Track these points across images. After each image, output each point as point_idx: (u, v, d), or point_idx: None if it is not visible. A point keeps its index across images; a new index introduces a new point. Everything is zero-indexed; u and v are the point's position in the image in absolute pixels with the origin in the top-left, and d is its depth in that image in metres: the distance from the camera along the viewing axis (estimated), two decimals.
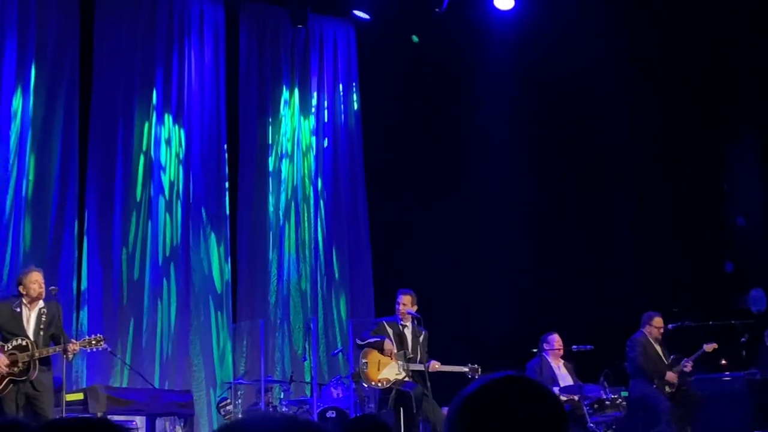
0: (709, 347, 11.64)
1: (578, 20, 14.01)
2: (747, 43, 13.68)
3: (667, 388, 11.47)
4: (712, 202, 14.14)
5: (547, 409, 2.62)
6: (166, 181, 13.05)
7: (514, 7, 13.97)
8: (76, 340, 9.66)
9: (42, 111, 12.25)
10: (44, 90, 12.31)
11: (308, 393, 12.06)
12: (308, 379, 12.12)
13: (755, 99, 13.78)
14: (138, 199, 12.78)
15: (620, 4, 13.87)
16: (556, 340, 11.62)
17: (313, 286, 13.87)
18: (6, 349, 9.17)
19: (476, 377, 10.48)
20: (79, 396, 9.91)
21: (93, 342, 9.49)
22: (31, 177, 12.07)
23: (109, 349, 10.21)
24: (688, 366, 11.56)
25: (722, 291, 13.32)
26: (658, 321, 11.82)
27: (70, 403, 9.62)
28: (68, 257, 12.10)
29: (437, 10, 13.48)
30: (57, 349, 9.28)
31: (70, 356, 9.42)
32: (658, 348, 11.74)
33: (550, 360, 11.59)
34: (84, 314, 12.13)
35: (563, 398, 11.16)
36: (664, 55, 14.15)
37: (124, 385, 11.67)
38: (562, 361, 11.67)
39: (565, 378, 11.49)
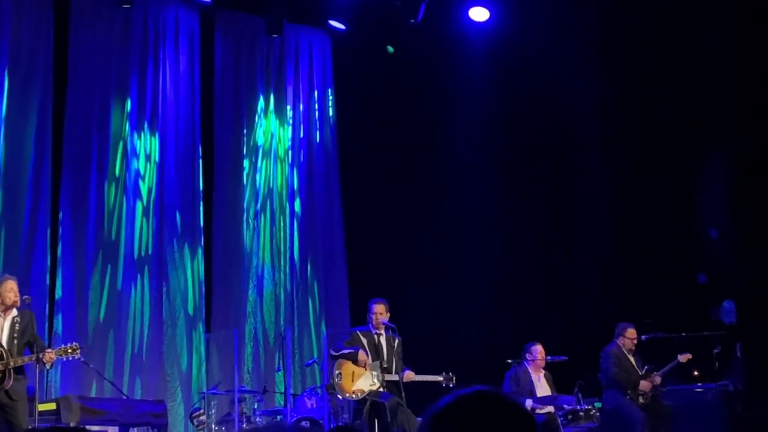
0: (683, 358, 11.68)
1: (552, 32, 14.07)
2: (720, 55, 13.77)
3: (641, 399, 11.50)
4: (685, 215, 14.21)
5: (519, 425, 2.62)
6: (143, 189, 13.00)
7: (489, 18, 14.05)
8: (51, 348, 9.61)
9: (15, 117, 12.18)
10: (17, 96, 12.24)
11: (282, 403, 12.03)
12: (282, 390, 12.08)
13: (728, 111, 13.87)
14: (113, 207, 12.73)
15: (594, 15, 13.94)
16: (538, 351, 11.61)
17: (288, 295, 13.84)
18: None
19: (451, 385, 10.54)
20: (52, 406, 9.84)
21: (69, 350, 9.43)
22: (2, 183, 11.99)
23: (82, 359, 10.13)
24: (657, 379, 11.60)
25: (695, 302, 13.39)
26: (631, 332, 11.84)
27: (43, 413, 9.56)
28: (41, 265, 12.03)
29: (412, 21, 13.52)
30: (32, 358, 9.22)
31: (48, 365, 9.38)
32: (632, 359, 11.76)
33: (530, 370, 11.59)
34: (58, 322, 12.06)
35: (538, 410, 11.19)
36: (638, 66, 14.23)
37: (99, 396, 11.60)
38: (543, 372, 11.68)
39: (543, 390, 11.50)
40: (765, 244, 13.08)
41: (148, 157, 13.13)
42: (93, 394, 11.72)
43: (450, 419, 2.62)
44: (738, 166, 13.90)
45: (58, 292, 12.16)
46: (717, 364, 11.79)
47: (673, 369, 11.74)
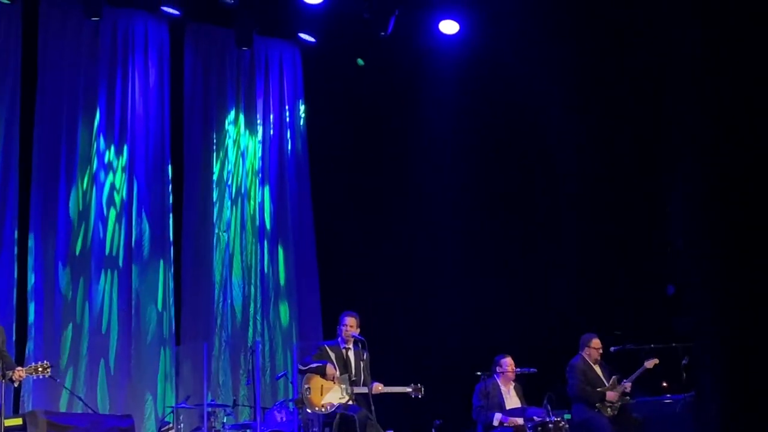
0: (650, 363, 11.72)
1: (522, 43, 14.12)
2: (689, 64, 13.82)
3: (609, 411, 11.53)
4: (654, 225, 14.26)
5: None
6: (114, 201, 12.96)
7: (459, 31, 14.10)
8: (22, 366, 9.55)
9: None
10: None
11: (252, 417, 12.00)
12: (252, 403, 12.05)
13: (699, 120, 13.92)
14: (81, 220, 12.68)
15: (563, 27, 13.99)
16: (508, 363, 11.63)
17: (259, 309, 13.80)
18: None
19: (420, 396, 10.58)
20: (18, 421, 9.74)
21: (40, 369, 9.37)
22: None
23: (49, 375, 10.06)
24: (627, 386, 11.65)
25: (664, 314, 13.43)
26: (596, 342, 11.88)
27: (8, 429, 9.47)
28: (7, 279, 11.97)
29: (382, 33, 13.55)
30: None
31: (16, 383, 9.34)
32: (598, 370, 11.79)
33: (500, 383, 11.61)
34: (29, 337, 11.99)
35: (507, 423, 11.22)
36: (608, 76, 14.27)
37: (69, 410, 11.54)
38: (513, 384, 11.69)
39: (513, 402, 11.51)
40: (736, 256, 13.14)
41: (117, 170, 13.08)
42: (63, 409, 11.66)
43: None
44: (706, 176, 13.95)
45: (29, 307, 12.10)
46: (685, 375, 11.83)
47: (641, 375, 11.78)
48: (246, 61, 14.35)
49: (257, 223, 14.06)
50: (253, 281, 13.87)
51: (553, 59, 14.08)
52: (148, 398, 12.68)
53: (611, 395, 11.54)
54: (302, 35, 14.26)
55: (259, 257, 13.97)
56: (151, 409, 12.63)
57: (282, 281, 14.13)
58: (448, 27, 14.09)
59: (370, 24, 13.61)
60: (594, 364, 11.80)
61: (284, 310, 14.06)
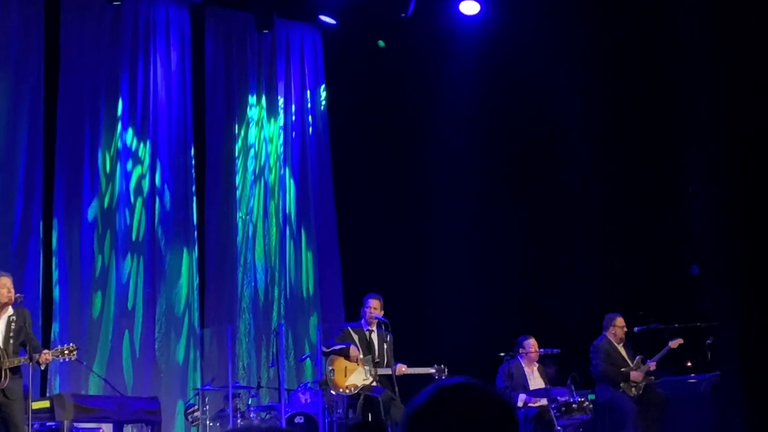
0: (674, 343, 11.71)
1: (542, 26, 14.06)
2: (708, 47, 13.74)
3: (633, 391, 11.54)
4: (677, 204, 14.20)
5: (499, 417, 2.64)
6: (136, 187, 13.00)
7: (480, 12, 14.05)
8: (49, 349, 9.62)
9: (5, 118, 12.15)
10: (7, 97, 12.22)
11: (277, 399, 12.06)
12: (276, 385, 12.11)
13: (719, 98, 13.84)
14: (106, 206, 12.74)
15: (583, 10, 13.93)
16: (531, 344, 11.64)
17: (282, 291, 13.86)
18: None
19: (443, 378, 10.58)
20: (46, 404, 9.85)
21: (66, 351, 9.44)
22: None
23: (75, 358, 10.13)
24: (652, 365, 11.64)
25: (688, 293, 13.40)
26: (620, 321, 11.87)
27: (36, 411, 9.57)
28: (34, 265, 12.03)
29: (403, 15, 13.53)
30: (26, 360, 9.24)
31: (43, 366, 9.41)
32: (622, 350, 11.78)
33: (523, 365, 11.62)
34: (54, 320, 12.07)
35: (531, 403, 11.24)
36: (627, 59, 14.21)
37: (96, 393, 11.63)
38: (537, 365, 11.71)
39: (537, 383, 11.53)
40: (758, 234, 13.07)
41: (139, 155, 13.13)
42: (90, 392, 11.74)
43: (432, 411, 2.64)
44: (729, 154, 13.88)
45: (54, 291, 12.18)
46: (709, 355, 11.80)
47: (665, 356, 11.77)
48: (267, 44, 14.35)
49: (280, 206, 14.10)
50: (276, 264, 13.91)
51: (572, 42, 14.02)
52: (173, 380, 12.75)
53: (635, 375, 11.54)
54: (323, 17, 14.23)
55: (281, 240, 14.02)
56: (177, 391, 12.71)
57: (305, 264, 14.17)
58: (469, 8, 14.04)
59: (390, 5, 13.58)
60: (618, 344, 11.79)
61: (307, 293, 14.11)
